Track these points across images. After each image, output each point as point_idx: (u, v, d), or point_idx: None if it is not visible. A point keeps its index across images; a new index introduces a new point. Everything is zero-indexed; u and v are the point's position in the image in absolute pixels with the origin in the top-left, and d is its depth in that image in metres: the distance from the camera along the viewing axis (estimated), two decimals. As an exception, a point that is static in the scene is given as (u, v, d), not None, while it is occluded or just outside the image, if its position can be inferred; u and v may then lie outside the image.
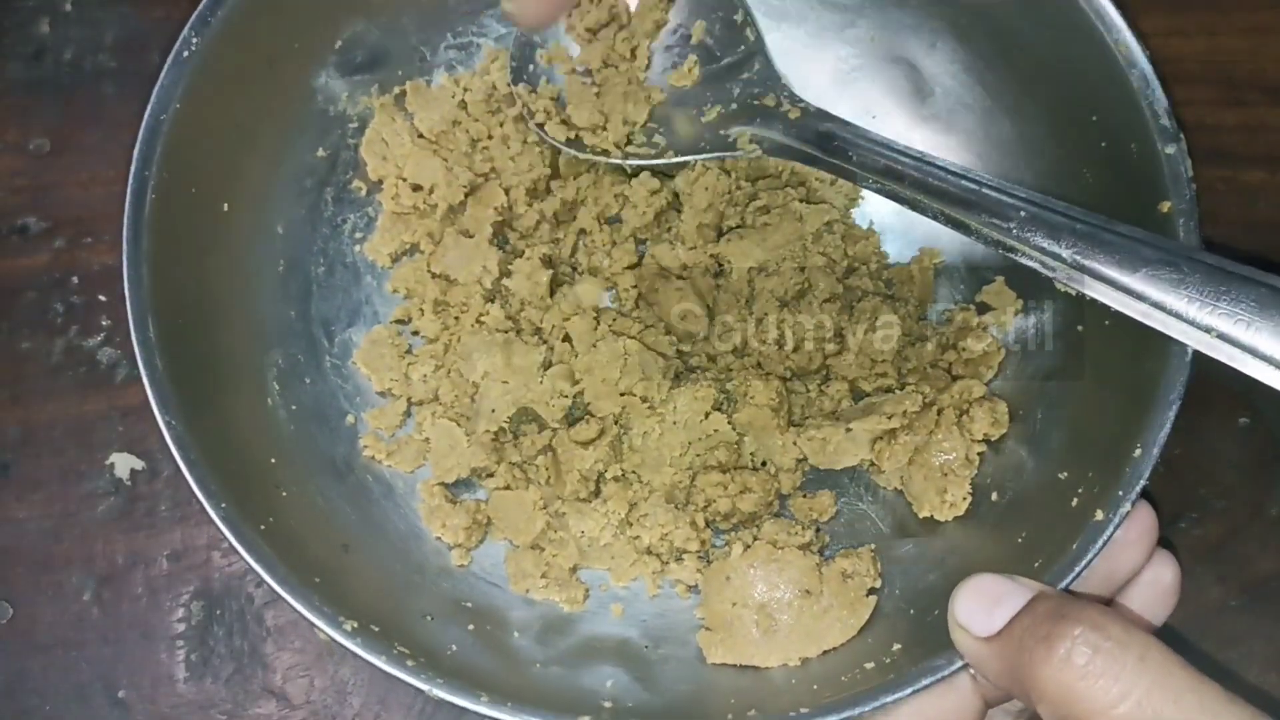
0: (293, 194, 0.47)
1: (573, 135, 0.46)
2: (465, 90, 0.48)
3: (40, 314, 0.49)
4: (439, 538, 0.45)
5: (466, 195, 0.47)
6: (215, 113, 0.42)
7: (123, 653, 0.46)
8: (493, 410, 0.44)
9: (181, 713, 0.45)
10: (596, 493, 0.45)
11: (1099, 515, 0.37)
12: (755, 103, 0.45)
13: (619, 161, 0.46)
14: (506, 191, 0.47)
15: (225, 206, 0.43)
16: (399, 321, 0.47)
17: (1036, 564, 0.38)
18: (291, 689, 0.46)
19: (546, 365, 0.45)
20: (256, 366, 0.44)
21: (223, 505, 0.38)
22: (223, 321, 0.43)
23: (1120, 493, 0.37)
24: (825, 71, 0.49)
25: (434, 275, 0.47)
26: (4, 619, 0.46)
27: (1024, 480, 0.42)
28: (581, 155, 0.46)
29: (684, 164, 0.47)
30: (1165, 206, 0.39)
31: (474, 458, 0.45)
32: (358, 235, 0.48)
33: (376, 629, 0.38)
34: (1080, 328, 0.43)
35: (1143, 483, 0.37)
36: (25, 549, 0.47)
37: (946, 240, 0.47)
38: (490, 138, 0.48)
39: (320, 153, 0.47)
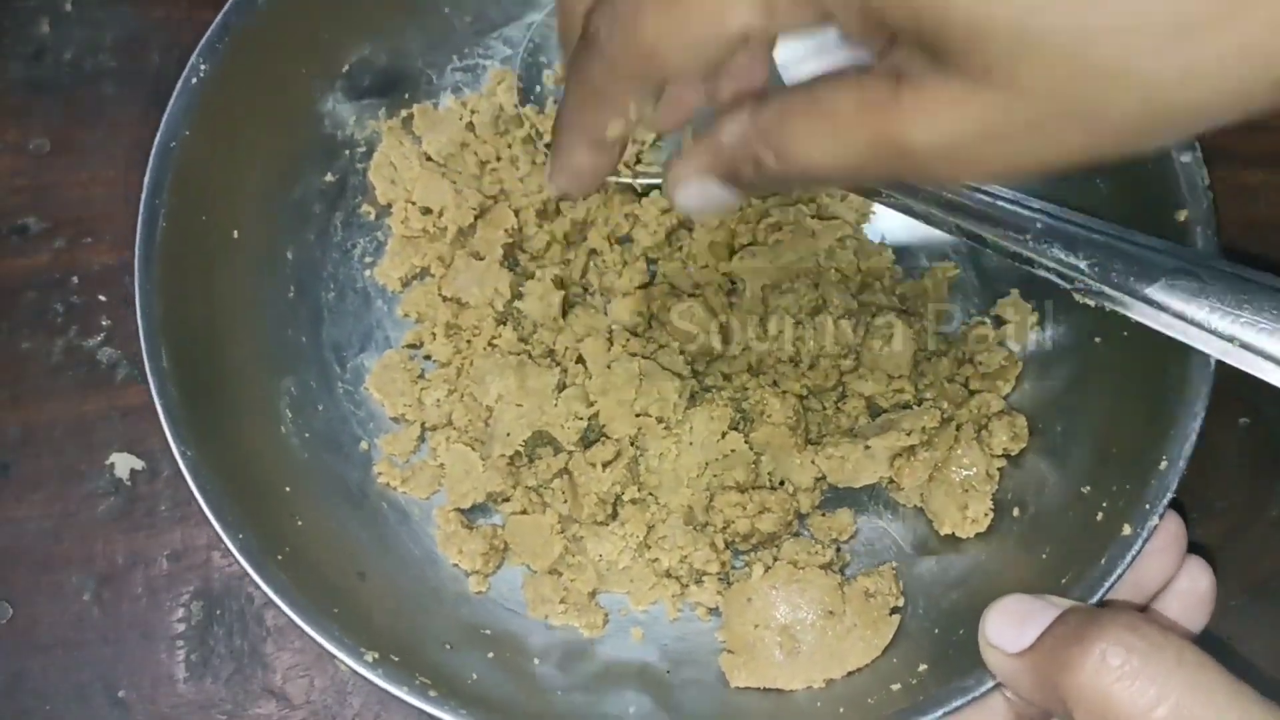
0: (302, 219, 0.47)
1: None
2: (473, 112, 0.48)
3: (40, 314, 0.49)
4: (456, 564, 0.44)
5: (476, 217, 0.47)
6: (224, 139, 0.42)
7: (123, 653, 0.46)
8: (508, 434, 0.44)
9: (181, 713, 0.45)
10: (614, 515, 0.44)
11: (1126, 530, 0.37)
12: None
13: (629, 180, 0.45)
14: (516, 213, 0.47)
15: (235, 233, 0.44)
16: (411, 346, 0.47)
17: (1064, 580, 0.37)
18: (291, 689, 0.46)
19: (561, 387, 0.45)
20: (269, 393, 0.44)
21: (240, 536, 0.38)
22: (234, 348, 0.43)
23: (1148, 506, 0.37)
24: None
25: (445, 299, 0.47)
26: (4, 619, 0.46)
27: (1046, 495, 0.42)
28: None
29: None
30: (1182, 215, 0.38)
31: (489, 482, 0.44)
32: (367, 260, 0.48)
33: (397, 659, 0.38)
34: (1098, 339, 0.43)
35: (1170, 495, 0.37)
36: (25, 549, 0.47)
37: (959, 253, 0.47)
38: (499, 159, 0.48)
39: (329, 177, 0.47)
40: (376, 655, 0.38)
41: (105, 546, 0.47)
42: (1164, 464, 0.37)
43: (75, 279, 0.49)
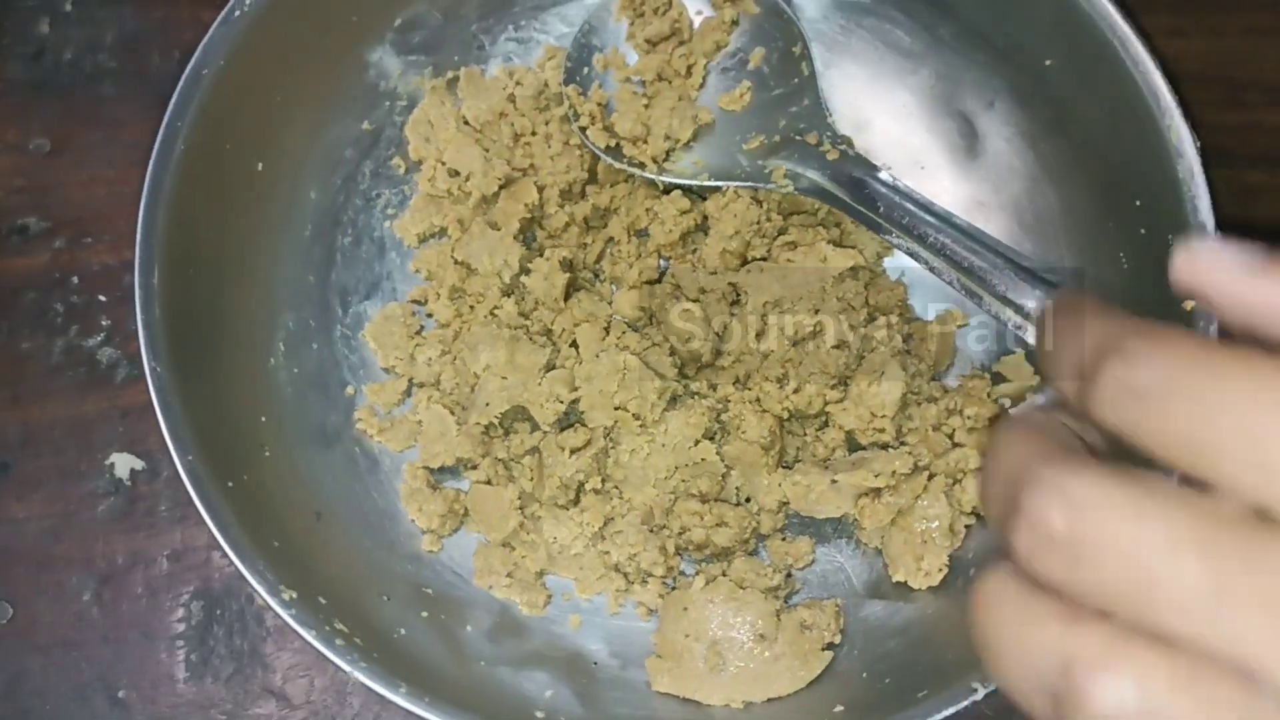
0: (331, 162, 0.47)
1: (613, 143, 0.46)
2: (517, 84, 0.48)
3: (40, 314, 0.49)
4: (414, 520, 0.45)
5: (500, 187, 0.47)
6: (261, 73, 0.43)
7: (123, 653, 0.46)
8: (487, 404, 0.44)
9: (181, 713, 0.45)
10: (576, 501, 0.45)
11: None
12: (797, 138, 0.45)
13: (652, 176, 0.46)
14: (540, 190, 0.47)
15: (259, 165, 0.44)
16: (415, 302, 0.48)
17: None
18: (291, 689, 0.46)
19: (550, 367, 0.45)
20: (266, 325, 0.45)
21: (189, 457, 0.39)
22: (239, 275, 0.44)
23: None
24: (881, 114, 0.49)
25: (456, 262, 0.47)
26: (4, 619, 0.46)
27: None
28: (616, 164, 0.46)
29: (716, 188, 0.46)
30: (1189, 305, 0.38)
31: (460, 447, 0.45)
32: (389, 211, 0.48)
33: (324, 601, 0.39)
34: None
35: None
36: (25, 549, 0.47)
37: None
38: (534, 134, 0.48)
39: (365, 126, 0.48)
40: (295, 594, 0.38)
41: (105, 546, 0.47)
42: None
43: (75, 279, 0.49)
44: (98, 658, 0.46)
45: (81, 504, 0.47)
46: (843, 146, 0.44)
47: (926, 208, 0.41)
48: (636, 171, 0.46)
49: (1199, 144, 0.39)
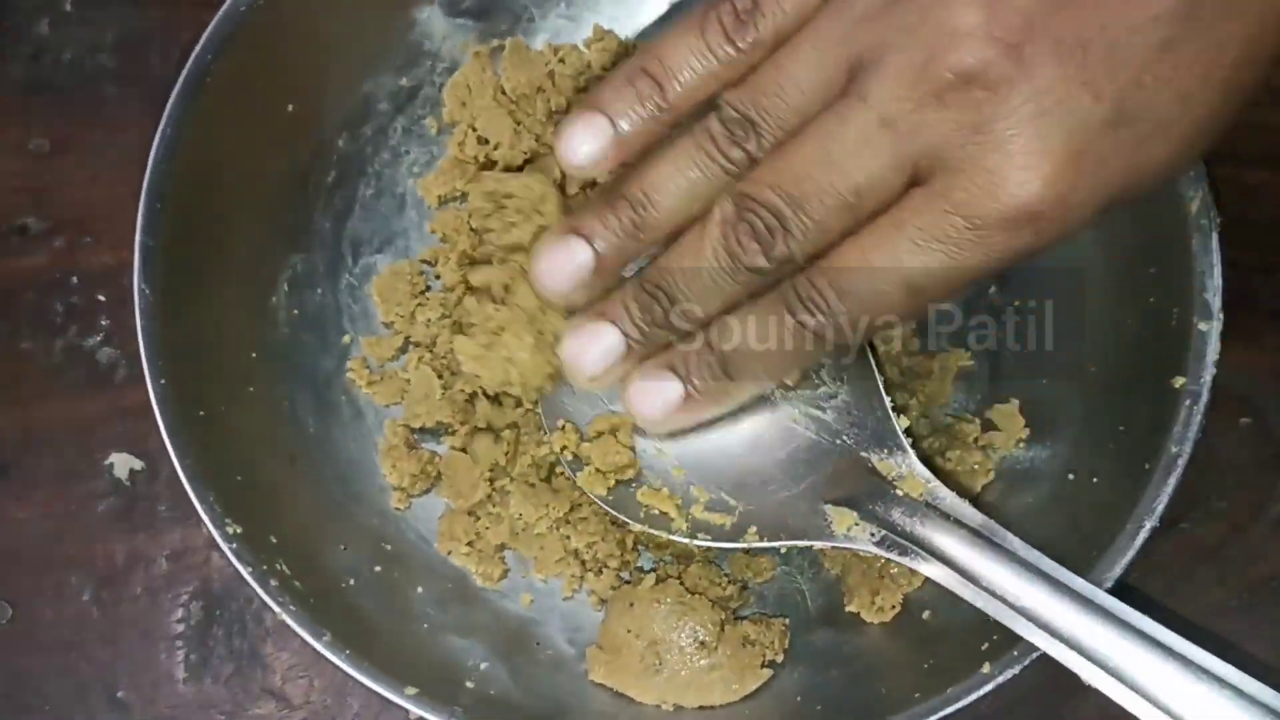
0: (364, 113, 0.47)
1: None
2: (560, 60, 0.48)
3: (40, 314, 0.49)
4: (386, 476, 0.45)
5: (526, 161, 0.47)
6: (302, 16, 0.43)
7: (122, 653, 0.46)
8: (476, 375, 0.44)
9: (181, 713, 0.45)
10: (547, 480, 0.45)
11: (985, 668, 0.37)
12: (868, 470, 0.40)
13: (683, 540, 0.41)
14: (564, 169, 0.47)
15: (290, 107, 0.44)
16: (425, 262, 0.48)
17: (928, 697, 0.37)
18: (291, 689, 0.46)
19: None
20: (273, 263, 0.45)
21: (162, 381, 0.39)
22: (253, 209, 0.44)
23: (1015, 652, 0.36)
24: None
25: (471, 229, 0.47)
26: (4, 619, 0.46)
27: (961, 610, 0.40)
28: (635, 525, 0.41)
29: (768, 550, 0.44)
30: (1178, 382, 0.38)
31: (440, 411, 0.45)
32: (415, 169, 0.48)
33: (274, 540, 0.39)
34: (1071, 475, 0.42)
35: (1035, 655, 0.36)
36: (25, 549, 0.46)
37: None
38: (568, 113, 0.48)
39: (403, 81, 0.48)
40: (240, 529, 0.38)
41: (105, 547, 0.47)
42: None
43: (75, 279, 0.49)
44: (97, 658, 0.46)
45: (81, 504, 0.47)
46: (928, 483, 0.39)
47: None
48: (662, 534, 0.41)
49: (1219, 219, 0.39)
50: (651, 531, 0.41)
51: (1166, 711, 0.33)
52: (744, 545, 0.39)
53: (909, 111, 0.32)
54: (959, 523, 0.37)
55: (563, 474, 0.45)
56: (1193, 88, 0.31)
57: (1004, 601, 0.36)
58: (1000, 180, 0.31)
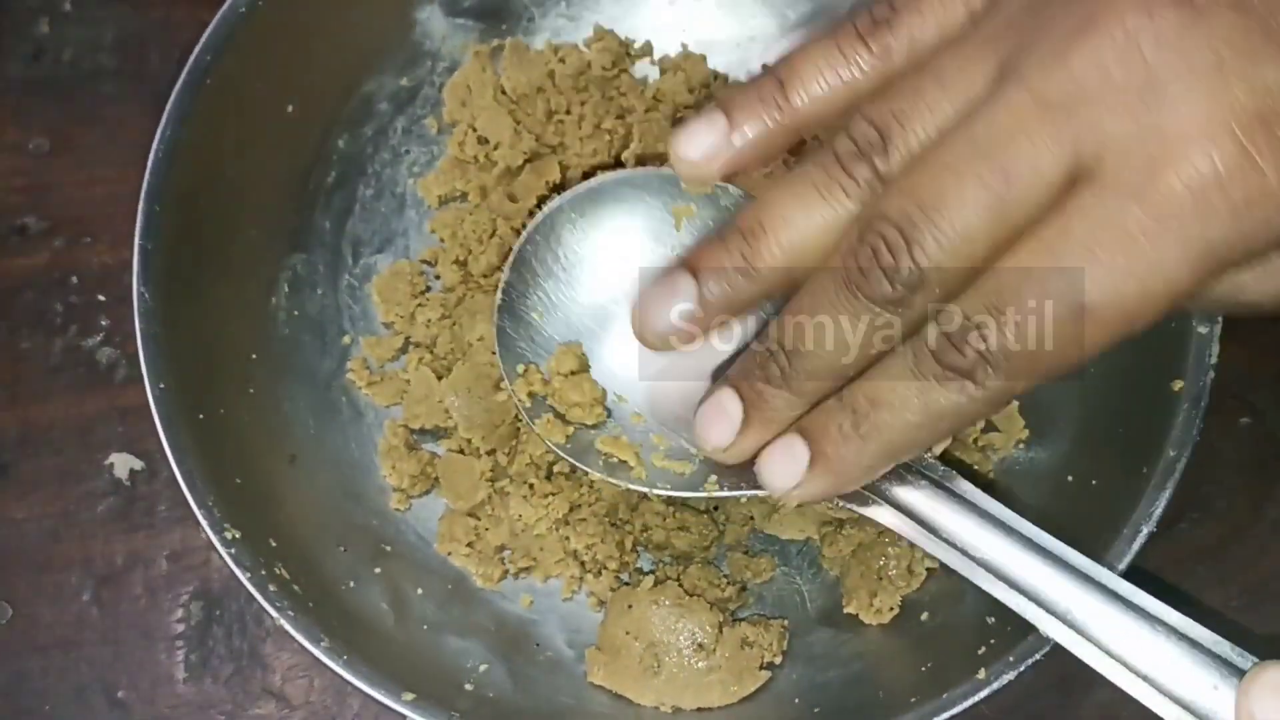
0: (364, 113, 0.47)
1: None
2: (560, 60, 0.48)
3: (40, 314, 0.49)
4: (386, 477, 0.45)
5: (526, 161, 0.47)
6: (302, 17, 0.43)
7: (122, 653, 0.46)
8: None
9: (181, 713, 0.45)
10: (548, 477, 0.45)
11: (983, 672, 0.36)
12: None
13: (642, 488, 0.40)
14: (564, 170, 0.47)
15: (290, 107, 0.44)
16: (425, 262, 0.48)
17: (925, 700, 0.37)
18: (291, 689, 0.46)
19: None
20: (273, 264, 0.45)
21: (161, 384, 0.39)
22: (253, 209, 0.44)
23: (1011, 657, 0.36)
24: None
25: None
26: (3, 619, 0.46)
27: (959, 611, 0.41)
28: (594, 474, 0.40)
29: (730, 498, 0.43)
30: (1177, 385, 0.38)
31: (439, 413, 0.45)
32: (415, 169, 0.49)
33: (274, 544, 0.39)
34: (1070, 478, 0.42)
35: (1031, 660, 0.36)
36: (25, 549, 0.46)
37: None
38: (568, 113, 0.48)
39: (403, 81, 0.48)
40: (239, 534, 0.38)
41: (105, 547, 0.47)
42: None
43: (75, 279, 0.49)
44: (97, 658, 0.46)
45: (81, 504, 0.47)
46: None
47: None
48: (621, 484, 0.39)
49: None
50: (610, 481, 0.39)
51: (1116, 658, 0.32)
52: (703, 494, 0.38)
53: (1069, 89, 0.26)
54: (920, 473, 0.36)
55: (562, 473, 0.45)
56: None
57: (964, 553, 0.35)
58: (1179, 149, 0.25)
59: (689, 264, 0.33)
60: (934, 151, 0.28)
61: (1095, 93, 0.26)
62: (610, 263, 0.41)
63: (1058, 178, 0.26)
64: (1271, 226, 0.26)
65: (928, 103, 0.28)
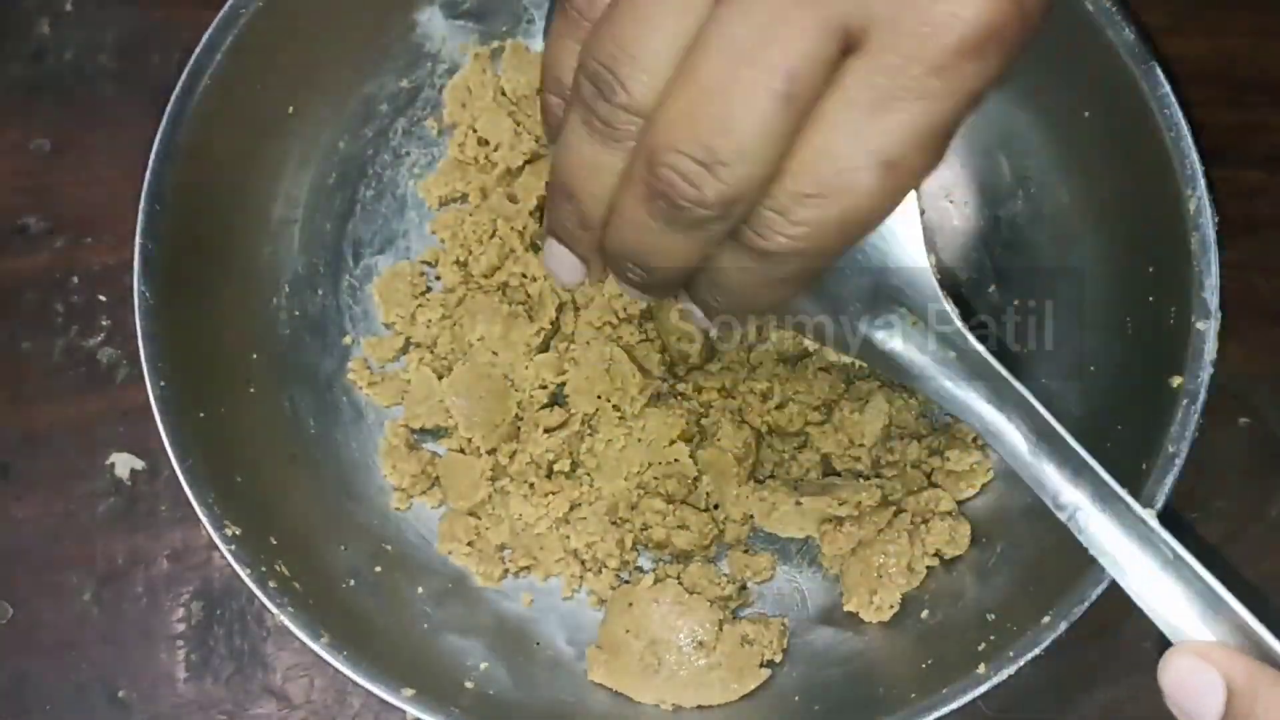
0: (365, 115, 0.47)
1: None
2: None
3: (40, 314, 0.49)
4: (386, 476, 0.45)
5: (526, 163, 0.47)
6: (302, 18, 0.43)
7: (123, 653, 0.46)
8: None
9: (181, 713, 0.45)
10: (549, 476, 0.45)
11: (982, 668, 0.37)
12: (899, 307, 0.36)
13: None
14: None
15: (290, 109, 0.44)
16: (426, 263, 0.48)
17: (924, 698, 0.37)
18: (291, 689, 0.46)
19: (543, 348, 0.45)
20: (274, 264, 0.45)
21: (162, 384, 0.39)
22: (255, 211, 0.44)
23: (1011, 653, 0.36)
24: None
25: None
26: (4, 619, 0.46)
27: (959, 608, 0.41)
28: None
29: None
30: (1175, 382, 0.39)
31: (441, 412, 0.45)
32: (416, 171, 0.49)
33: (274, 542, 0.39)
34: None
35: (1031, 655, 0.36)
36: (25, 549, 0.47)
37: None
38: None
39: (404, 83, 0.48)
40: (239, 531, 0.38)
41: (105, 546, 0.47)
42: (1047, 618, 0.37)
43: (75, 279, 0.49)
44: (98, 658, 0.46)
45: (81, 504, 0.47)
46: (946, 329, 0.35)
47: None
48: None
49: (1217, 219, 0.39)
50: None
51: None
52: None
53: None
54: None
55: (563, 474, 0.45)
56: None
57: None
58: (954, 5, 0.26)
59: (546, 230, 0.33)
60: (693, 70, 0.26)
61: None
62: None
63: (834, 54, 0.26)
64: (1029, 40, 0.27)
65: (655, 27, 0.27)
